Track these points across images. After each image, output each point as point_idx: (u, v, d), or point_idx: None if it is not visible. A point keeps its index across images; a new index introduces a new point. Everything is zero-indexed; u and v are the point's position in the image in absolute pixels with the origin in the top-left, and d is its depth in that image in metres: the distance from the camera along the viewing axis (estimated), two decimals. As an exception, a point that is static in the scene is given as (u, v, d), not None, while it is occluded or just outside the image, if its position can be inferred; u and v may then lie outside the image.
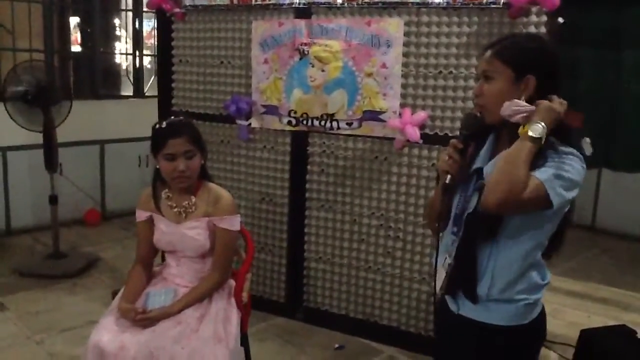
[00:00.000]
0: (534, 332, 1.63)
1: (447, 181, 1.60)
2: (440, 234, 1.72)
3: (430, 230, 1.94)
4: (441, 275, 1.71)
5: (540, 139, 1.45)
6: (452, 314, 1.69)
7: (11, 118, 4.03)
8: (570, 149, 1.50)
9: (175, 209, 2.26)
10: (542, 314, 1.64)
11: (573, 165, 1.47)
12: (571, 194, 1.47)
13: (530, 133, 1.45)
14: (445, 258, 1.69)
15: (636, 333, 2.93)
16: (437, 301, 1.79)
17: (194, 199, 2.27)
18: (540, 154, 1.48)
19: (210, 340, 2.09)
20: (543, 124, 1.46)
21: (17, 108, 4.03)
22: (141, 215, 2.33)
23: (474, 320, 1.61)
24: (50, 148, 4.16)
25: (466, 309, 1.64)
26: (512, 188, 1.42)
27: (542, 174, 1.45)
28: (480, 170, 1.61)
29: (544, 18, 2.70)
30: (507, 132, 1.58)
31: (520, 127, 1.49)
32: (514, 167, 1.44)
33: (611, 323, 3.36)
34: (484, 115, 1.59)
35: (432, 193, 1.76)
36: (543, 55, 1.56)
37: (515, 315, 1.58)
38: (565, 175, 1.45)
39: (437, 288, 1.74)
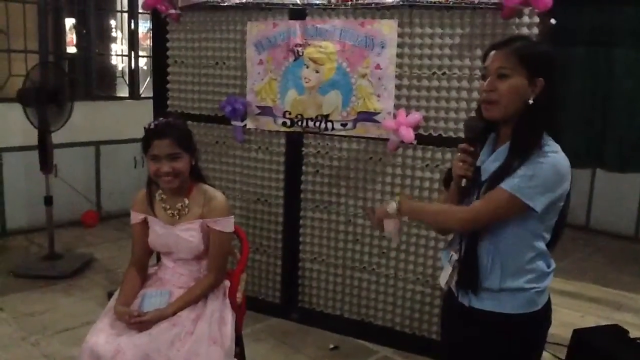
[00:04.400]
0: (543, 317, 1.71)
1: (463, 184, 1.69)
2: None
3: (439, 232, 2.02)
4: (447, 270, 1.80)
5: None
6: (462, 306, 1.75)
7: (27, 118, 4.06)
8: (553, 149, 1.59)
9: (169, 211, 2.27)
10: (549, 301, 1.73)
11: (543, 169, 1.56)
12: (551, 195, 1.57)
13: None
14: (452, 254, 1.79)
15: (628, 333, 2.95)
16: (444, 295, 1.88)
17: (187, 201, 2.26)
18: (524, 154, 1.59)
19: (205, 341, 2.09)
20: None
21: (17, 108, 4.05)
22: (136, 217, 2.34)
23: (485, 310, 1.68)
24: (45, 149, 4.16)
25: (479, 301, 1.70)
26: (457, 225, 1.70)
27: (507, 184, 1.57)
28: (479, 169, 1.70)
29: (536, 19, 2.72)
30: (506, 129, 1.66)
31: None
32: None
33: (604, 323, 3.38)
34: (491, 111, 1.65)
35: (436, 195, 1.85)
36: (552, 60, 1.65)
37: (526, 303, 1.66)
38: (532, 182, 1.55)
39: (443, 283, 1.83)
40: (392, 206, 1.73)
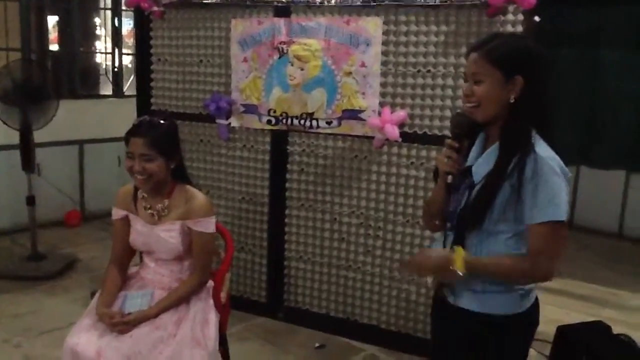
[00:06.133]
0: (529, 319, 1.71)
1: (449, 181, 1.68)
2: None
3: (429, 229, 2.00)
4: None
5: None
6: (449, 306, 1.74)
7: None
8: (546, 154, 1.56)
9: (149, 211, 2.23)
10: (536, 303, 1.72)
11: (553, 183, 1.54)
12: (567, 201, 1.57)
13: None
14: None
15: (611, 329, 2.97)
16: (433, 293, 1.86)
17: (166, 202, 2.22)
18: (514, 155, 1.56)
19: (187, 343, 2.07)
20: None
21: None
22: (117, 213, 2.30)
23: (471, 310, 1.67)
24: (27, 148, 4.10)
25: (464, 301, 1.69)
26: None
27: (541, 214, 1.54)
28: (469, 168, 1.68)
29: (521, 17, 2.72)
30: (494, 129, 1.64)
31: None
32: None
33: (589, 319, 3.39)
34: (474, 115, 1.63)
35: (428, 193, 1.81)
36: (530, 55, 1.59)
37: (511, 304, 1.66)
38: (555, 200, 1.54)
39: (429, 281, 1.80)
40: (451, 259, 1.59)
